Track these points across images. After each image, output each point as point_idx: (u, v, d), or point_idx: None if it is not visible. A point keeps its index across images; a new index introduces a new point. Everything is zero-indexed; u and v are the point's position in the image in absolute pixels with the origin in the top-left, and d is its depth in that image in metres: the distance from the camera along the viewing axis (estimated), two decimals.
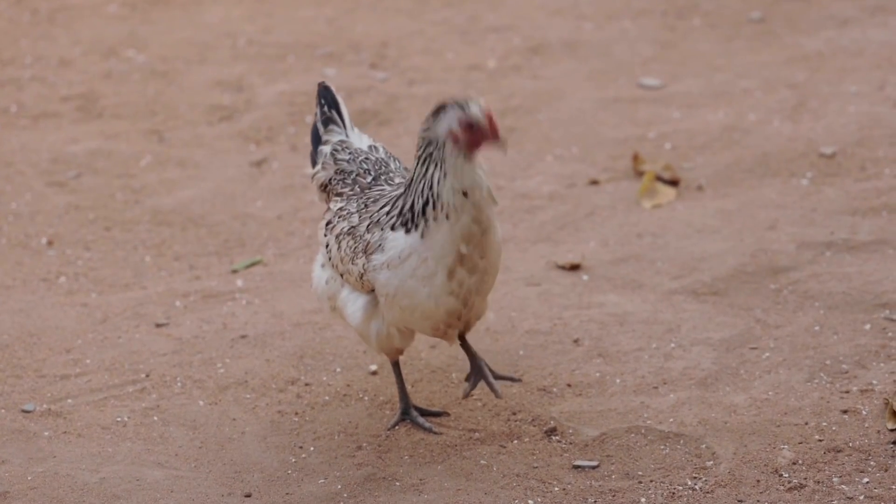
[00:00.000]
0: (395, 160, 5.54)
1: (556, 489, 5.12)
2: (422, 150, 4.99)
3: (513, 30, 8.74)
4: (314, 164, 5.63)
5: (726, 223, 6.68)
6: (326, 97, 5.69)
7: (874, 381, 5.54)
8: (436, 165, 4.94)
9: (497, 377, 5.50)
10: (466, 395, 5.44)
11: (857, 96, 7.71)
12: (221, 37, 8.75)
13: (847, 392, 5.49)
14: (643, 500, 5.05)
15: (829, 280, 6.16)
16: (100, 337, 6.04)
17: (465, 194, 4.94)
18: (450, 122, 4.91)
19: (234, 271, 6.56)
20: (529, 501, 5.06)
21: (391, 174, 5.42)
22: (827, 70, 8.04)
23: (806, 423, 5.34)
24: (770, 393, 5.52)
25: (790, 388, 5.54)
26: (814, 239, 6.47)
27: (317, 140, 5.66)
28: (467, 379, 5.47)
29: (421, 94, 8.00)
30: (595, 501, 5.06)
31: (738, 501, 5.01)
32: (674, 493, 5.07)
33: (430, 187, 4.95)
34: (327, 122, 5.65)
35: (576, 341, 5.89)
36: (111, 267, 6.62)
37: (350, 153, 5.53)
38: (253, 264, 6.62)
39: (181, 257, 6.70)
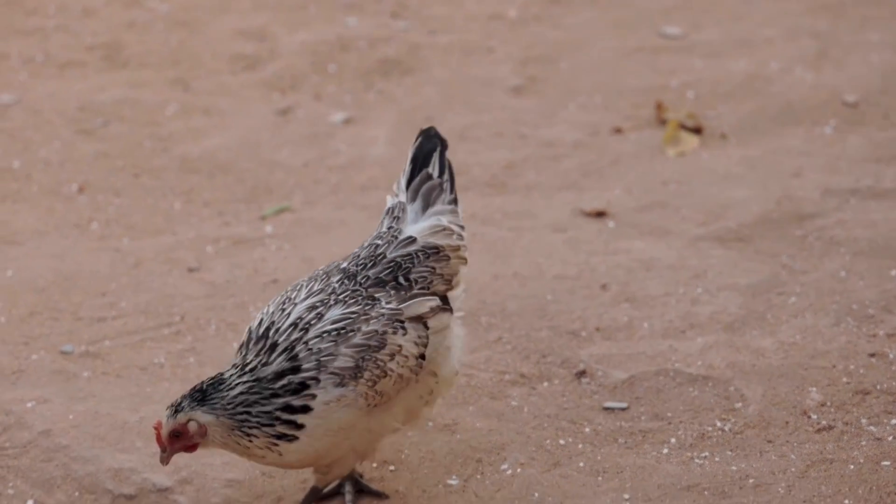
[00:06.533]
0: (379, 265, 4.78)
1: (587, 430, 5.18)
2: None
3: None
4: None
5: (751, 171, 6.72)
6: (417, 154, 5.01)
7: None
8: None
9: None
10: None
11: (879, 45, 7.73)
12: None
13: (874, 336, 5.55)
14: (673, 440, 5.12)
15: (854, 227, 6.21)
16: (134, 281, 6.10)
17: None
18: None
19: (264, 217, 6.61)
20: (561, 441, 5.12)
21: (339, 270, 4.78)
22: (849, 18, 8.05)
23: (833, 367, 5.40)
24: (797, 337, 5.57)
25: (817, 332, 5.60)
26: (839, 186, 6.51)
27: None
28: None
29: (442, 44, 8.02)
30: (625, 441, 5.12)
31: (768, 442, 5.08)
32: (703, 434, 5.13)
33: None
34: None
35: (603, 286, 5.95)
36: (141, 213, 6.67)
37: (382, 231, 4.89)
38: (281, 210, 6.67)
39: (210, 204, 6.75)
